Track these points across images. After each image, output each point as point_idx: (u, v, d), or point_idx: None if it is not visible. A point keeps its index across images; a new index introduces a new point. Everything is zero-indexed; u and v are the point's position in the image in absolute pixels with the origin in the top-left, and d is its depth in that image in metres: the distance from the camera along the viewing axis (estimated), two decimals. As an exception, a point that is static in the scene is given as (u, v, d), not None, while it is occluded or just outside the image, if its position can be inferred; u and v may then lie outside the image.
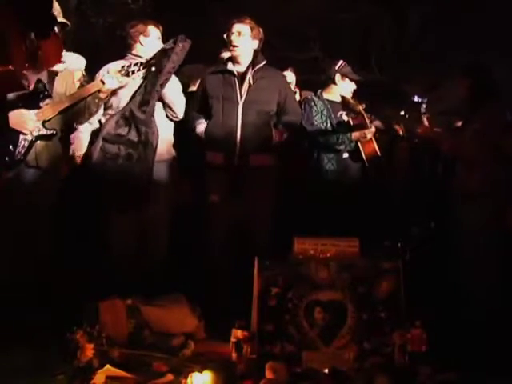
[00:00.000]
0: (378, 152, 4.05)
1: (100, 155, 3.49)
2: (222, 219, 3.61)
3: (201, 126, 3.66)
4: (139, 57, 3.63)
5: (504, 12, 5.93)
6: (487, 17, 6.14)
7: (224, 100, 3.62)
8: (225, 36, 3.67)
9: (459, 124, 3.78)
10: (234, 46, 3.64)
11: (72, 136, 3.61)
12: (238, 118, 3.60)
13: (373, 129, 4.04)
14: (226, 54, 3.91)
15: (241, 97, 3.61)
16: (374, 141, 4.04)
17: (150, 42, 3.67)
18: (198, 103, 3.74)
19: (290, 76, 4.35)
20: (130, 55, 3.68)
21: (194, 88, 4.02)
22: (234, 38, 3.63)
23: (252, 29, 3.64)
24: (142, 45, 3.67)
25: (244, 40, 3.63)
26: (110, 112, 3.61)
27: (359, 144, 4.02)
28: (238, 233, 3.64)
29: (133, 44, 3.68)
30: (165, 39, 3.74)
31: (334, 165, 4.03)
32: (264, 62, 3.69)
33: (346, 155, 4.05)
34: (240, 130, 3.59)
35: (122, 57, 3.70)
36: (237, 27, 3.64)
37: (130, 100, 3.57)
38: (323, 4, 7.08)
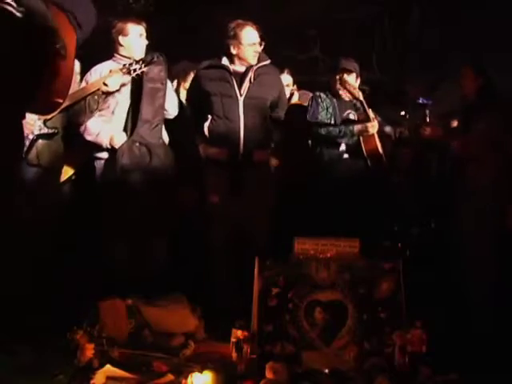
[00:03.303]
0: (380, 150, 4.03)
1: (120, 180, 3.50)
2: (224, 217, 3.62)
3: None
4: (125, 57, 3.60)
5: (505, 11, 5.92)
6: (488, 16, 6.13)
7: (223, 96, 3.63)
8: (233, 43, 3.65)
9: (459, 124, 3.78)
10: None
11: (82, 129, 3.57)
12: (239, 114, 3.63)
13: (375, 123, 4.02)
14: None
15: (241, 94, 3.64)
16: (377, 138, 4.02)
17: (129, 40, 3.62)
18: (193, 100, 3.76)
19: (286, 78, 4.37)
20: (117, 55, 3.65)
21: (185, 85, 4.03)
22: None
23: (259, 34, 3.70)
24: (121, 45, 3.62)
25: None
26: (104, 113, 3.58)
27: (361, 139, 4.00)
28: (238, 232, 3.65)
29: (115, 45, 3.65)
30: (164, 38, 3.74)
31: (335, 164, 4.03)
32: (268, 61, 3.72)
33: (346, 156, 4.05)
34: (243, 126, 3.62)
35: (109, 57, 3.68)
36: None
37: (135, 123, 3.55)
38: (323, 4, 7.08)
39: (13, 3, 2.06)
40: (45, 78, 2.15)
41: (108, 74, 3.47)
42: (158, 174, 3.55)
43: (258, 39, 3.68)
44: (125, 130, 3.58)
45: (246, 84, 3.66)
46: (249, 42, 3.66)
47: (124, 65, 3.49)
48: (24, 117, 2.29)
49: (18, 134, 2.32)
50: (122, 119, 3.60)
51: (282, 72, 4.27)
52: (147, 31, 3.69)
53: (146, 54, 3.64)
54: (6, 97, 2.11)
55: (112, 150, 3.54)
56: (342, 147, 4.06)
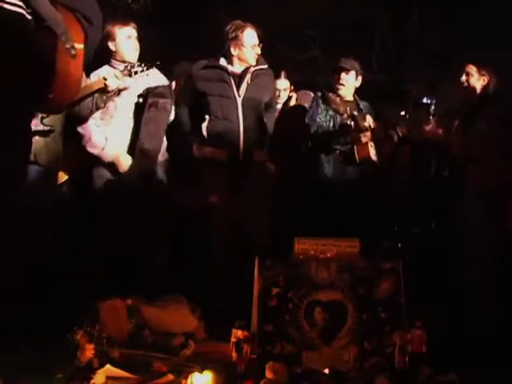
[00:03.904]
0: (373, 157, 4.04)
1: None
2: (223, 217, 3.62)
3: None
4: (120, 61, 3.59)
5: (505, 10, 5.93)
6: (488, 15, 6.14)
7: (221, 97, 3.65)
8: (234, 44, 3.66)
9: (461, 123, 3.76)
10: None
11: (83, 133, 3.58)
12: (238, 114, 3.65)
13: (368, 133, 4.03)
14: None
15: (239, 95, 3.67)
16: (370, 146, 4.03)
17: (117, 45, 3.60)
18: (189, 101, 3.76)
19: (283, 82, 4.38)
20: (112, 61, 3.64)
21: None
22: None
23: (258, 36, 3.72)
24: (112, 50, 3.61)
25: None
26: (102, 116, 3.59)
27: (354, 147, 4.02)
28: (238, 232, 3.65)
29: (108, 50, 3.63)
30: (164, 38, 3.73)
31: (334, 165, 4.04)
32: (266, 66, 3.75)
33: (342, 158, 4.06)
34: (242, 126, 3.64)
35: (106, 62, 3.66)
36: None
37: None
38: (323, 4, 7.08)
39: (22, 4, 2.06)
40: (55, 78, 2.15)
41: (109, 75, 3.46)
42: (156, 193, 3.62)
43: (257, 41, 3.70)
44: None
45: (244, 85, 3.69)
46: (250, 43, 3.68)
47: (125, 67, 3.49)
48: (33, 117, 2.29)
49: (27, 134, 2.32)
50: (120, 125, 3.60)
51: (279, 76, 4.31)
52: (138, 31, 3.65)
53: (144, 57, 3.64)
54: (16, 97, 2.11)
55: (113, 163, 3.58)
56: (336, 149, 4.07)
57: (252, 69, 3.71)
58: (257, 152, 3.71)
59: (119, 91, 3.52)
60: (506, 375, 2.71)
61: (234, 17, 3.81)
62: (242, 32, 3.67)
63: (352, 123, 4.02)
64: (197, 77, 3.71)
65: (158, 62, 3.60)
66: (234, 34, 3.67)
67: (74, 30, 2.23)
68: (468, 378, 2.64)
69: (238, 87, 3.68)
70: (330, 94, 4.05)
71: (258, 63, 3.73)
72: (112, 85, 3.42)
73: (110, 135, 3.59)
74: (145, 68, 3.48)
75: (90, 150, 3.56)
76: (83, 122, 3.54)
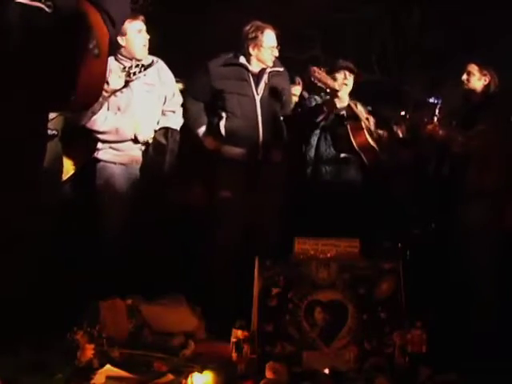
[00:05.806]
0: (372, 143, 4.02)
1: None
2: (237, 217, 3.62)
3: (202, 130, 3.71)
4: (128, 58, 3.58)
5: (504, 12, 5.94)
6: (488, 15, 6.15)
7: (240, 95, 3.66)
8: (253, 44, 3.67)
9: (462, 123, 3.76)
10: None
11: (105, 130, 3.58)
12: (257, 113, 3.68)
13: (363, 118, 4.02)
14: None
15: (257, 93, 3.69)
16: (366, 132, 4.02)
17: (128, 40, 3.57)
18: (203, 97, 3.74)
19: (297, 89, 4.39)
20: (119, 55, 3.62)
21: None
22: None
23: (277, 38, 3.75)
24: (121, 45, 3.58)
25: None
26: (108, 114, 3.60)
27: (350, 134, 3.99)
28: (248, 231, 3.65)
29: (116, 45, 3.63)
30: (166, 37, 3.73)
31: (333, 164, 4.04)
32: (282, 69, 3.80)
33: (343, 155, 4.05)
34: (261, 125, 3.66)
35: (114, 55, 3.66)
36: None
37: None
38: (324, 4, 7.09)
39: None
40: (77, 78, 2.09)
41: (110, 75, 3.45)
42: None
43: (276, 43, 3.71)
44: None
45: (262, 84, 3.72)
46: (269, 44, 3.69)
47: (124, 67, 3.49)
48: (48, 119, 2.25)
49: (44, 137, 2.27)
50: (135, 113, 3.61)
51: (293, 82, 4.33)
52: (146, 24, 3.61)
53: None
54: (36, 98, 2.05)
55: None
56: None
57: (268, 69, 3.73)
58: (275, 151, 3.71)
59: (120, 88, 3.52)
60: (506, 375, 2.71)
61: (235, 17, 3.81)
62: (262, 33, 3.68)
63: (344, 112, 4.01)
64: (215, 74, 3.70)
65: (155, 60, 3.60)
66: (253, 35, 3.68)
67: (98, 28, 2.15)
68: (468, 378, 2.64)
69: (257, 86, 3.70)
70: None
71: (274, 65, 3.75)
72: (113, 86, 3.42)
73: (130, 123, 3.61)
74: (142, 69, 3.48)
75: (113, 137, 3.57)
76: (82, 124, 3.53)
